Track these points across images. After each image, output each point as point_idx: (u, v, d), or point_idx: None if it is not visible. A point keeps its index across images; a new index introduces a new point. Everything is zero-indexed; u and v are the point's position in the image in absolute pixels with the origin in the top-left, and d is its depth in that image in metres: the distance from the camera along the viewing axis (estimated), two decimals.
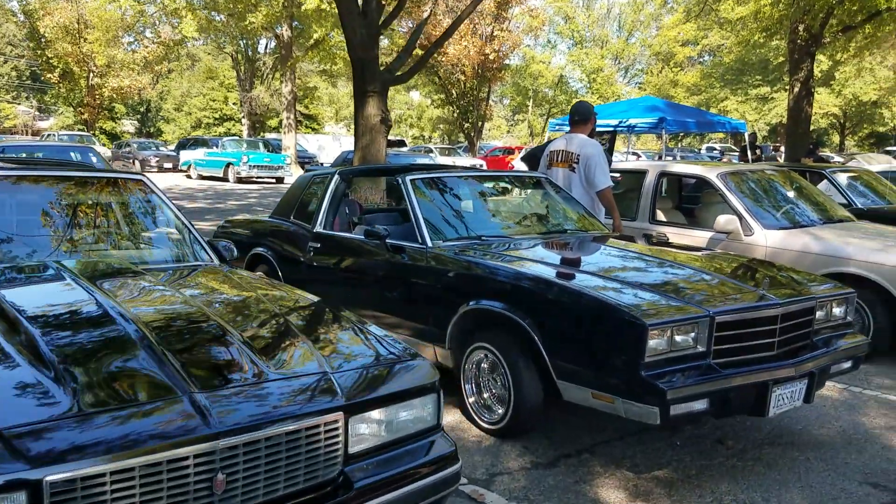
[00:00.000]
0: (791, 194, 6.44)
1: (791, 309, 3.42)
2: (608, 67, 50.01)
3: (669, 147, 45.93)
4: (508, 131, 61.12)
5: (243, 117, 39.57)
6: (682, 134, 47.81)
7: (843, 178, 8.00)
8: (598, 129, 13.43)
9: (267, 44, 39.67)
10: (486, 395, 3.81)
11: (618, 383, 3.14)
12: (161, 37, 33.59)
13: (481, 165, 25.99)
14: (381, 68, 9.78)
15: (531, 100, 51.73)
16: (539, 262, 3.93)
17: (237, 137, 31.28)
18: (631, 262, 4.07)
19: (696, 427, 3.86)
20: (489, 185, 5.07)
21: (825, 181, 7.89)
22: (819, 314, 3.66)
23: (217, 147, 25.35)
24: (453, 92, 32.74)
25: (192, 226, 3.38)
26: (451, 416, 3.97)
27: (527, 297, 3.54)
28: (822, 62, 33.91)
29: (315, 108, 56.12)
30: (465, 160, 27.53)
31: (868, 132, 43.10)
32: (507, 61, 33.67)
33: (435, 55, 29.55)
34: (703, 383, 3.11)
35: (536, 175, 5.33)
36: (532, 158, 6.16)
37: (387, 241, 4.33)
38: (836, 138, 43.92)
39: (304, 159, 28.48)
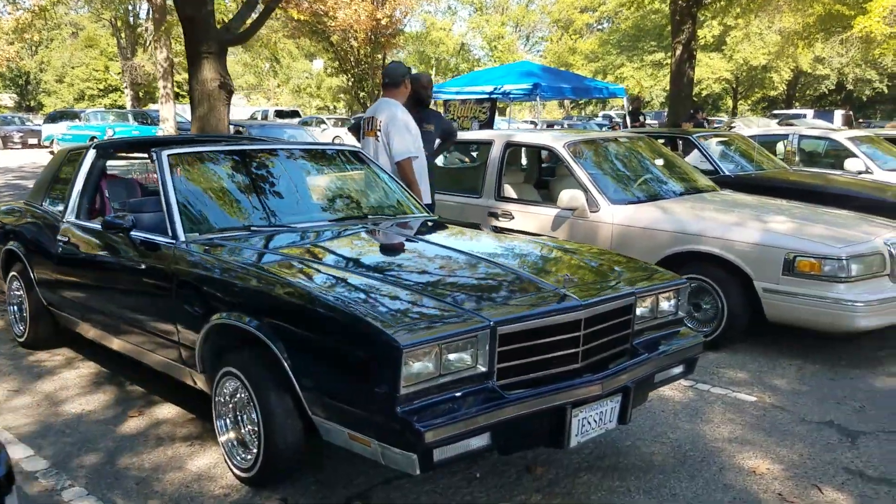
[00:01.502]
0: (649, 164, 5.88)
1: (599, 310, 2.75)
2: (509, 34, 49.52)
3: (570, 115, 46.13)
4: None
5: (126, 87, 37.05)
6: (583, 101, 48.07)
7: (713, 144, 7.56)
8: (476, 97, 12.75)
9: (149, 9, 37.16)
10: (244, 431, 3.01)
11: (373, 422, 2.41)
12: (28, 2, 30.75)
13: None
14: (219, 27, 8.74)
15: (434, 68, 50.72)
16: (306, 260, 3.14)
17: (103, 109, 29.07)
18: (422, 259, 3.32)
19: None
20: (288, 160, 4.21)
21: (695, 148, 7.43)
22: (641, 311, 3.03)
23: (80, 120, 23.32)
24: (349, 59, 31.43)
25: None
26: (206, 459, 3.17)
27: (275, 309, 2.75)
28: (713, 27, 34.40)
29: None
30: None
31: (760, 96, 44.22)
32: (401, 27, 32.48)
33: (324, 20, 28.22)
34: (480, 414, 2.41)
35: (347, 148, 4.52)
36: (358, 129, 5.36)
37: (131, 234, 3.45)
38: (730, 102, 44.89)
39: (188, 131, 26.68)
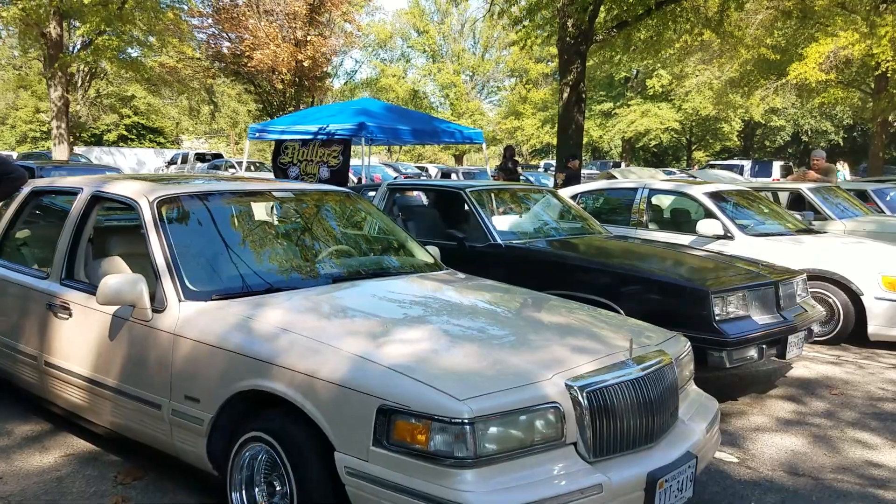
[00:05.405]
0: (325, 232, 3.95)
1: None
2: (463, 83, 48.15)
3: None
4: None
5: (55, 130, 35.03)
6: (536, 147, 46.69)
7: (502, 203, 5.69)
8: (299, 137, 10.80)
9: (75, 46, 35.39)
10: None
11: None
12: None
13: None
14: None
15: None
16: None
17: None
18: None
19: None
20: None
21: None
22: None
23: None
24: (273, 102, 29.76)
25: None
26: None
27: None
28: (662, 76, 33.08)
29: (159, 120, 51.88)
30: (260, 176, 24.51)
31: (720, 147, 42.87)
32: (327, 70, 30.95)
33: (243, 60, 26.55)
34: None
35: None
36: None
37: None
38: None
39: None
